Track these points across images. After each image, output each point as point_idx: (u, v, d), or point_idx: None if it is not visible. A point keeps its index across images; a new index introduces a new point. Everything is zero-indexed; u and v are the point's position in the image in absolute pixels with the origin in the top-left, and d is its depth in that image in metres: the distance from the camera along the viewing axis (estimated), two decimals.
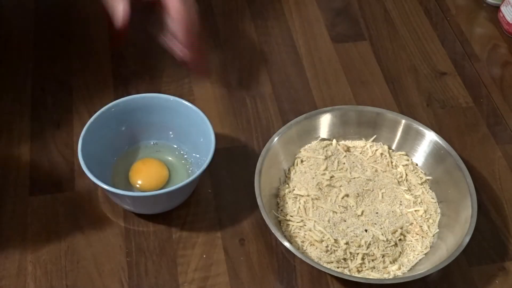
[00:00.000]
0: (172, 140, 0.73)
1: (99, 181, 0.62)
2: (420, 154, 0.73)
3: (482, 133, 0.80)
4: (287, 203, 0.69)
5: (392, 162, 0.73)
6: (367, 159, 0.73)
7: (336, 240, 0.65)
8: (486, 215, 0.71)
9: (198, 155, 0.70)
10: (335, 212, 0.68)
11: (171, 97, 0.70)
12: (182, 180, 0.65)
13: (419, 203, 0.70)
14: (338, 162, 0.72)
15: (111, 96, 0.78)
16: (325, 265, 0.64)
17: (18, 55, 0.84)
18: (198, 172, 0.64)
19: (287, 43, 0.89)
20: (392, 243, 0.66)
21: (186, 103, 0.69)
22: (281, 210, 0.68)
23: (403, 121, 0.73)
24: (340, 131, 0.75)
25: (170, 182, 0.70)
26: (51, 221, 0.67)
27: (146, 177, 0.69)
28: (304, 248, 0.65)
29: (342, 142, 0.75)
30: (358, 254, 0.65)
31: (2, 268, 0.64)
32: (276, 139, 0.70)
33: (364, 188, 0.70)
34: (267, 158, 0.68)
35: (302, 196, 0.69)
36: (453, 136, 0.78)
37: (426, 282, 0.65)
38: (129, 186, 0.69)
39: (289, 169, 0.72)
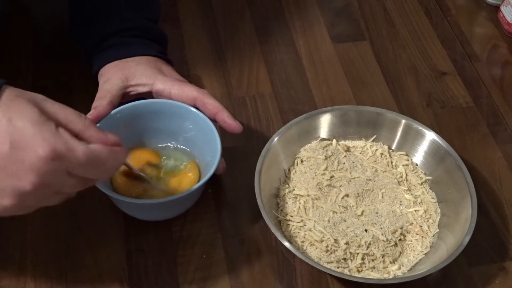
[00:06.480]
0: (182, 143, 0.71)
1: (101, 186, 0.62)
2: (420, 154, 0.73)
3: (482, 133, 0.80)
4: (287, 203, 0.69)
5: (392, 162, 0.73)
6: (367, 159, 0.73)
7: (336, 240, 0.65)
8: (486, 215, 0.71)
9: (204, 161, 0.69)
10: (335, 212, 0.68)
11: (179, 104, 0.68)
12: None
13: (419, 203, 0.70)
14: (338, 162, 0.72)
15: None
16: (325, 265, 0.64)
17: (18, 55, 0.84)
18: (198, 184, 0.63)
19: (287, 43, 0.89)
20: (392, 243, 0.66)
21: (193, 109, 0.68)
22: (281, 210, 0.68)
23: (403, 121, 0.73)
24: (340, 131, 0.75)
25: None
26: (51, 221, 0.67)
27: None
28: (304, 248, 0.65)
29: (342, 142, 0.75)
30: (358, 254, 0.65)
31: (2, 268, 0.64)
32: (276, 139, 0.70)
33: (364, 188, 0.70)
34: (267, 158, 0.68)
35: (302, 196, 0.69)
36: (453, 136, 0.78)
37: (426, 282, 0.65)
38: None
39: (289, 169, 0.72)
